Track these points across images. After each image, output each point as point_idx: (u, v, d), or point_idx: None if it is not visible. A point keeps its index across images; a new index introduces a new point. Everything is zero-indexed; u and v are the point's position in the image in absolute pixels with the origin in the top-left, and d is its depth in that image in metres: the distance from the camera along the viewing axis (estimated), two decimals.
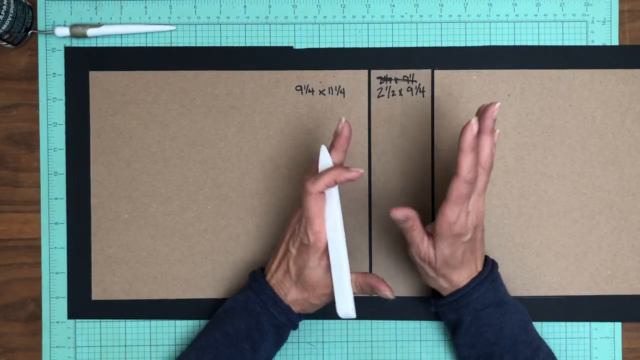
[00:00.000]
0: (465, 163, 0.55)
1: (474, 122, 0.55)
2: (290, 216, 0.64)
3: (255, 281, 0.63)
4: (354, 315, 0.59)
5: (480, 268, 0.62)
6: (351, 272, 0.60)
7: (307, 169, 0.69)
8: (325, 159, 0.59)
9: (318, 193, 0.57)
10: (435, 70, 0.69)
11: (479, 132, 0.56)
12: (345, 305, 0.59)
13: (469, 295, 0.61)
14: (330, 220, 0.58)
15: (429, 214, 0.69)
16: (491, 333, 0.61)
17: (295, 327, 0.63)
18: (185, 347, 0.68)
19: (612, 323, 0.69)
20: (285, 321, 0.62)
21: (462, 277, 0.61)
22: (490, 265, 0.63)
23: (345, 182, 0.57)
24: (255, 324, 0.61)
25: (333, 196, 0.58)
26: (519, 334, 0.61)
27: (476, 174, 0.56)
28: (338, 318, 0.68)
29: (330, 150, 0.59)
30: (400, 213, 0.57)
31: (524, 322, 0.62)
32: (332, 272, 0.59)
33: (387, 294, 0.60)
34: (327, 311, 0.69)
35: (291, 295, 0.61)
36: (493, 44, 0.70)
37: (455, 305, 0.62)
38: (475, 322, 0.61)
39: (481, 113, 0.57)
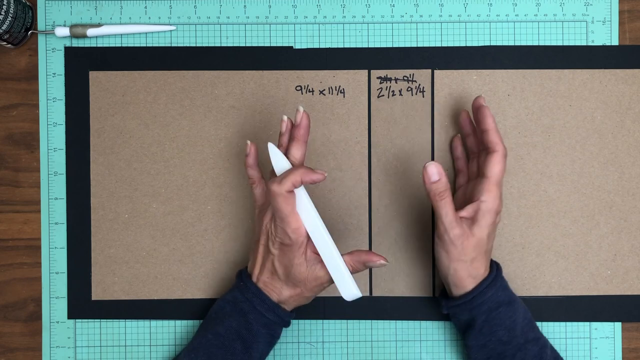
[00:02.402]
0: (499, 138, 0.61)
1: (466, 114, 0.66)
2: (257, 220, 0.63)
3: (241, 280, 0.63)
4: (360, 294, 0.59)
5: (486, 271, 0.62)
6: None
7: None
8: (277, 156, 0.58)
9: (286, 193, 0.56)
10: (435, 70, 0.69)
11: (475, 108, 0.62)
12: (348, 289, 0.59)
13: (481, 295, 0.61)
14: (305, 214, 0.58)
15: (429, 215, 0.69)
16: (503, 332, 0.61)
17: (287, 324, 0.63)
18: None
19: (612, 323, 0.69)
20: (274, 319, 0.61)
21: (480, 270, 0.61)
22: (495, 265, 0.63)
23: (309, 183, 0.57)
24: (245, 323, 0.61)
25: (301, 191, 0.58)
26: (528, 331, 0.61)
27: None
28: (338, 318, 0.68)
29: (290, 142, 0.59)
30: (434, 170, 0.59)
31: (529, 320, 0.63)
32: (324, 262, 0.59)
33: (382, 262, 0.59)
34: (327, 311, 0.69)
35: (284, 294, 0.61)
36: (493, 44, 0.70)
37: (469, 306, 0.61)
38: (488, 322, 0.61)
39: (474, 109, 0.63)
